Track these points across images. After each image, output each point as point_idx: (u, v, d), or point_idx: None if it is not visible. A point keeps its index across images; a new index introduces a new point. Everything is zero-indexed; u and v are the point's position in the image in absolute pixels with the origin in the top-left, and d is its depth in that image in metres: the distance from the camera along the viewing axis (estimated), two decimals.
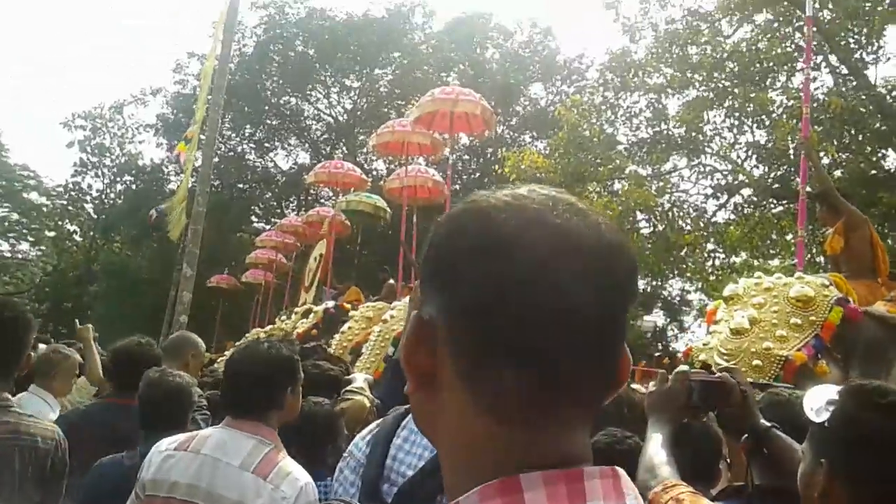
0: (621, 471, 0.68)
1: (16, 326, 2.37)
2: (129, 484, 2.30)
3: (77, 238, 31.76)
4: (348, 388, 3.44)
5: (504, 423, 0.64)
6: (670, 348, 22.50)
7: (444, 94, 10.56)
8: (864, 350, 4.07)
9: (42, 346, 5.35)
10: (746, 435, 1.86)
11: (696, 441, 2.04)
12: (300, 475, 2.20)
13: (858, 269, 5.06)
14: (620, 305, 0.67)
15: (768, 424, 1.84)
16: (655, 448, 1.72)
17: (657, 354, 13.16)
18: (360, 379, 3.40)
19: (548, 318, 0.62)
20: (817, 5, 13.04)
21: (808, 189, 6.44)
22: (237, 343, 14.61)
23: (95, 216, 30.50)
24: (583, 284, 0.63)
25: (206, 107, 13.35)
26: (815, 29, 14.39)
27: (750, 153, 15.07)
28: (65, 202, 30.41)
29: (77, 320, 5.33)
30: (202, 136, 14.37)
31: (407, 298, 8.90)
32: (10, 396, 2.40)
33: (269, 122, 28.15)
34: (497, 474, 0.62)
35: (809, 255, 11.26)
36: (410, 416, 1.48)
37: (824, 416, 1.44)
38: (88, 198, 30.52)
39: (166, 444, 2.28)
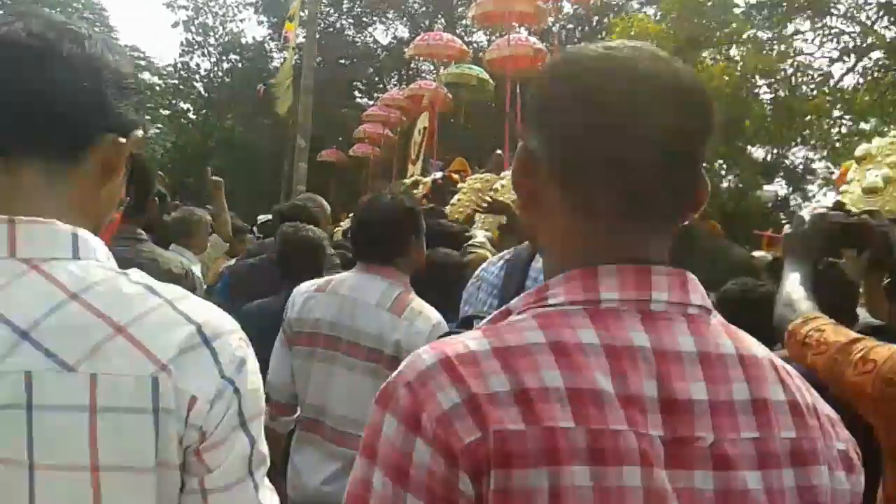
0: (690, 274, 0.79)
1: (140, 169, 2.63)
2: (277, 323, 2.48)
3: (192, 116, 32.78)
4: (470, 242, 3.55)
5: (591, 225, 0.78)
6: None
7: None
8: None
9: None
10: (889, 277, 1.83)
11: (833, 285, 2.00)
12: (432, 314, 2.32)
13: None
14: (695, 139, 0.78)
15: None
16: (793, 285, 1.70)
17: (784, 221, 12.88)
18: (480, 235, 3.49)
19: (629, 144, 0.75)
20: None
21: None
22: (351, 214, 15.11)
23: (206, 94, 31.28)
24: (660, 118, 0.75)
25: None
26: None
27: (881, 14, 13.88)
28: (176, 81, 31.23)
29: (208, 168, 5.46)
30: (303, 14, 14.29)
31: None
32: (143, 231, 2.69)
33: None
34: (582, 265, 0.77)
35: None
36: None
37: None
38: (198, 76, 31.21)
39: (306, 286, 2.44)
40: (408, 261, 2.40)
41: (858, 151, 4.38)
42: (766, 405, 0.75)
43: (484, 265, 1.75)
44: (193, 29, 29.89)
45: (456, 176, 11.32)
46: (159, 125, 32.77)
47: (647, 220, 0.78)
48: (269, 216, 5.84)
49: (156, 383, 0.79)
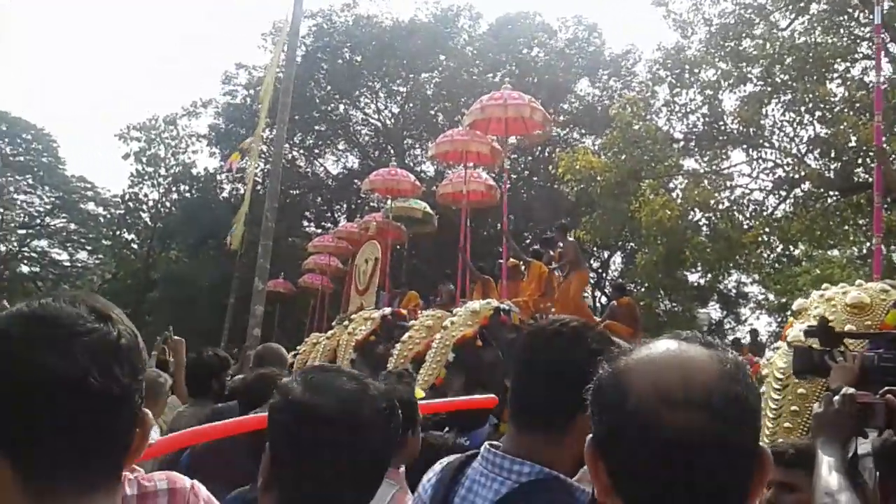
0: None
1: None
2: None
3: (134, 246, 32.50)
4: None
5: None
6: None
7: (492, 100, 10.24)
8: None
9: None
10: None
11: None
12: None
13: None
14: None
15: None
16: (829, 471, 1.72)
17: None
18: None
19: None
20: None
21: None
22: (297, 348, 14.85)
23: (152, 225, 31.17)
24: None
25: (266, 121, 13.46)
26: (871, 16, 14.07)
27: (811, 147, 14.75)
28: (122, 212, 31.15)
29: (169, 329, 5.38)
30: (262, 148, 14.32)
31: (468, 304, 8.93)
32: None
33: (317, 128, 28.42)
34: None
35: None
36: (475, 462, 1.50)
37: None
38: (145, 207, 31.23)
39: None
40: (403, 453, 2.32)
41: (795, 306, 4.51)
42: None
43: (424, 478, 1.70)
44: (144, 160, 30.11)
45: (404, 311, 11.29)
46: (100, 256, 32.40)
47: None
48: None
49: None
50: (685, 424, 0.80)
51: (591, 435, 0.89)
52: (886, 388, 1.85)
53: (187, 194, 29.94)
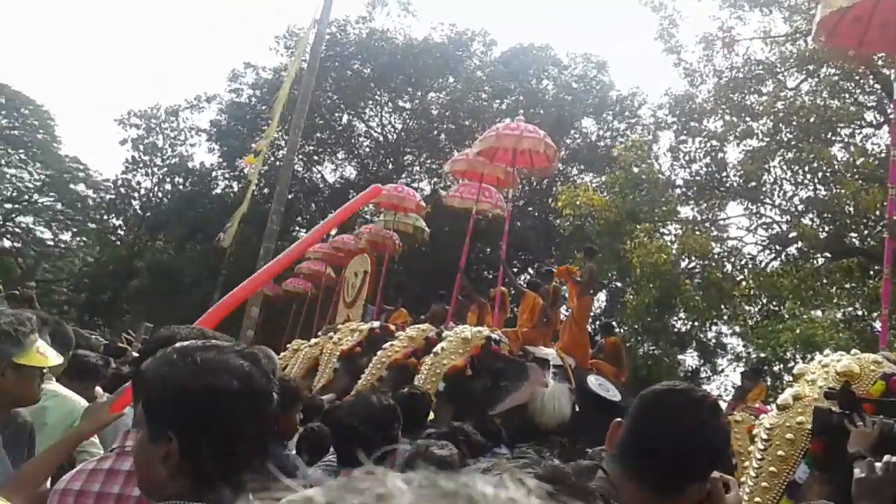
0: None
1: None
2: None
3: (121, 233, 32.18)
4: None
5: None
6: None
7: (508, 129, 10.24)
8: None
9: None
10: None
11: None
12: None
13: None
14: None
15: None
16: None
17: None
18: None
19: None
20: (881, 62, 12.87)
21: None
22: (280, 354, 14.71)
23: (142, 213, 30.89)
24: None
25: (276, 127, 13.39)
26: (878, 86, 14.29)
27: (808, 208, 14.88)
28: (112, 196, 30.86)
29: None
30: (271, 155, 14.12)
31: (459, 328, 8.88)
32: None
33: (319, 135, 28.35)
34: None
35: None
36: None
37: None
38: (136, 195, 30.90)
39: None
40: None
41: (796, 370, 4.55)
42: None
43: None
44: (142, 147, 29.91)
45: (393, 327, 11.22)
46: (84, 238, 32.06)
47: None
48: None
49: None
50: None
51: None
52: None
53: (181, 187, 29.68)
